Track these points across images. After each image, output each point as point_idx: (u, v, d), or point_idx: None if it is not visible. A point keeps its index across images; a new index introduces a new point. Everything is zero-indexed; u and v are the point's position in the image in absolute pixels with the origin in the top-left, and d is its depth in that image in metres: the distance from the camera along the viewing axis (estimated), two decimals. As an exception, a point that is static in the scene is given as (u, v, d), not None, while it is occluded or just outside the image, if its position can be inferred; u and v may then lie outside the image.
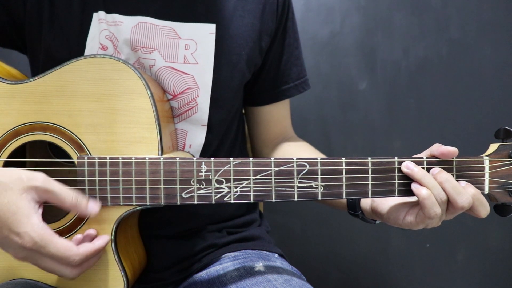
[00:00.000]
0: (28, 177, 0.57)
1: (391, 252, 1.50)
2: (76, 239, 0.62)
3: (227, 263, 0.80)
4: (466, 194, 0.62)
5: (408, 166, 0.64)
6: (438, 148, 0.65)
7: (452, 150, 0.64)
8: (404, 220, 0.66)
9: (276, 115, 0.95)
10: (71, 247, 0.57)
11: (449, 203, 0.63)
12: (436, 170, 0.63)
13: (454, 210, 0.63)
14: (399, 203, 0.69)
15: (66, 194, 0.59)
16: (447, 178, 0.62)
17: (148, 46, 0.75)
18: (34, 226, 0.55)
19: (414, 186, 0.63)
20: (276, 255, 0.86)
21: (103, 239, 0.63)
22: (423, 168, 0.64)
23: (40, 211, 0.58)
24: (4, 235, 0.55)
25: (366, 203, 0.75)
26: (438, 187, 0.62)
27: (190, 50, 0.77)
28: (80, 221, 0.65)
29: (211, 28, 0.78)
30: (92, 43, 0.75)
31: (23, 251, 0.56)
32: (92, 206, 0.62)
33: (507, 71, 1.44)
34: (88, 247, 0.59)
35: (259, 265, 0.78)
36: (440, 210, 0.62)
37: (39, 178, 0.57)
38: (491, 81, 1.45)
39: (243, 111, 0.98)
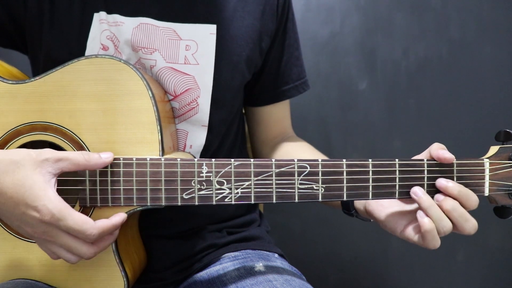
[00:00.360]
0: (37, 153, 0.57)
1: (391, 252, 1.50)
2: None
3: (227, 263, 0.80)
4: (472, 220, 0.62)
5: (417, 193, 0.63)
6: (437, 151, 0.64)
7: (449, 157, 0.64)
8: (402, 234, 0.67)
9: (276, 115, 0.95)
10: (88, 220, 0.57)
11: (454, 227, 0.63)
12: (441, 197, 0.63)
13: (459, 233, 0.64)
14: (397, 211, 0.69)
15: (77, 155, 0.60)
16: (453, 206, 0.62)
17: (149, 46, 0.75)
18: (51, 198, 0.55)
19: (419, 215, 0.63)
20: (276, 255, 0.86)
21: (120, 216, 0.62)
22: (423, 170, 0.64)
23: (55, 185, 0.58)
24: (21, 211, 0.56)
25: (360, 203, 0.75)
26: (443, 219, 0.62)
27: (191, 51, 0.77)
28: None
29: (211, 28, 0.78)
30: (93, 44, 0.75)
31: (41, 225, 0.56)
32: (105, 155, 0.62)
33: (507, 71, 1.44)
34: (105, 222, 0.59)
35: (259, 265, 0.78)
36: (439, 243, 0.62)
37: (47, 151, 0.58)
38: (491, 81, 1.45)
39: (243, 111, 0.98)
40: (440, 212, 0.62)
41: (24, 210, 0.55)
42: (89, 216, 0.65)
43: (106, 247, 0.62)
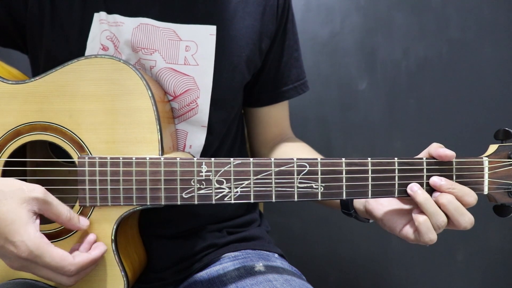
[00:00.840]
0: (29, 189, 0.57)
1: (391, 252, 1.50)
2: (73, 249, 0.63)
3: (227, 263, 0.80)
4: (468, 214, 0.62)
5: (412, 188, 0.64)
6: (436, 150, 0.65)
7: (450, 154, 0.64)
8: (401, 233, 0.67)
9: (275, 116, 0.95)
10: (66, 257, 0.57)
11: (450, 221, 0.63)
12: (437, 194, 0.63)
13: (455, 228, 0.64)
14: (395, 209, 0.69)
15: (62, 208, 0.60)
16: (449, 200, 0.62)
17: (148, 47, 0.75)
18: (30, 236, 0.55)
19: (414, 211, 0.64)
20: (276, 255, 0.86)
21: (100, 249, 0.62)
22: (422, 169, 0.64)
23: (38, 222, 0.58)
24: (0, 244, 0.56)
25: (359, 202, 0.75)
26: (438, 213, 0.62)
27: (191, 52, 0.77)
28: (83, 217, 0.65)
29: (211, 29, 0.78)
30: (92, 44, 0.75)
31: (18, 260, 0.56)
32: (84, 222, 0.63)
33: (507, 71, 1.44)
34: (83, 257, 0.59)
35: (259, 265, 0.78)
36: (435, 236, 0.62)
37: (39, 190, 0.58)
38: (491, 81, 1.45)
39: (242, 111, 0.98)
40: (435, 206, 0.62)
41: (3, 243, 0.55)
42: (89, 215, 0.65)
43: (87, 274, 0.63)
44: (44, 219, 0.60)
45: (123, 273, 0.66)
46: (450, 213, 0.62)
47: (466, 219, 0.62)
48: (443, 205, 0.62)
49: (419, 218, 0.63)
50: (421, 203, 0.62)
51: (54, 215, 0.59)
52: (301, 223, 1.50)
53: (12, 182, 0.58)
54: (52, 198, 0.59)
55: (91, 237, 0.64)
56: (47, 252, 0.56)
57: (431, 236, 0.62)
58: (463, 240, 1.48)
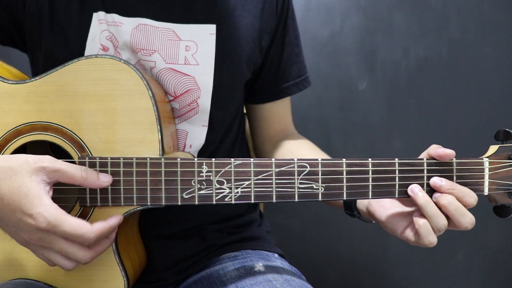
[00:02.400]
0: (35, 160, 0.57)
1: (391, 252, 1.50)
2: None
3: (227, 263, 0.80)
4: (469, 214, 0.62)
5: (413, 190, 0.64)
6: (435, 150, 0.65)
7: (449, 152, 0.64)
8: (402, 235, 0.67)
9: (277, 112, 0.95)
10: (84, 225, 0.57)
11: (451, 222, 0.63)
12: (437, 195, 0.63)
13: (456, 228, 0.64)
14: (397, 212, 0.69)
15: (74, 170, 0.59)
16: (450, 201, 0.62)
17: (148, 48, 0.75)
18: (46, 206, 0.55)
19: (414, 214, 0.64)
20: (276, 255, 0.86)
21: (116, 217, 0.62)
22: (423, 170, 0.64)
23: (51, 192, 0.58)
24: (17, 218, 0.56)
25: (362, 204, 0.75)
26: (438, 216, 0.62)
27: (191, 51, 0.77)
28: (83, 218, 0.65)
29: (211, 28, 0.78)
30: (92, 44, 0.74)
31: (37, 232, 0.56)
32: (104, 178, 0.62)
33: (507, 71, 1.45)
34: (102, 224, 0.59)
35: (259, 265, 0.78)
36: (435, 239, 0.63)
37: (45, 159, 0.58)
38: (491, 81, 1.45)
39: (244, 108, 0.98)
40: (436, 209, 0.62)
41: (20, 217, 0.55)
42: (89, 216, 0.65)
43: (103, 251, 0.62)
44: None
45: (123, 273, 0.66)
46: (450, 214, 0.62)
47: (467, 220, 0.62)
48: (443, 206, 0.62)
49: (419, 221, 0.63)
50: (421, 205, 0.62)
51: (69, 179, 0.59)
52: (301, 223, 1.50)
53: (18, 157, 0.58)
54: (60, 164, 0.58)
55: (102, 184, 0.63)
56: (65, 221, 0.55)
57: (431, 239, 0.62)
58: (463, 240, 1.48)
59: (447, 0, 1.44)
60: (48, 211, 0.55)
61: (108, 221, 0.60)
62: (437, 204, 0.62)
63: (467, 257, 1.49)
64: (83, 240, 0.57)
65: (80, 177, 0.59)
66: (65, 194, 0.65)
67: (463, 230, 0.63)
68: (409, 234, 0.66)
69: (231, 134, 0.89)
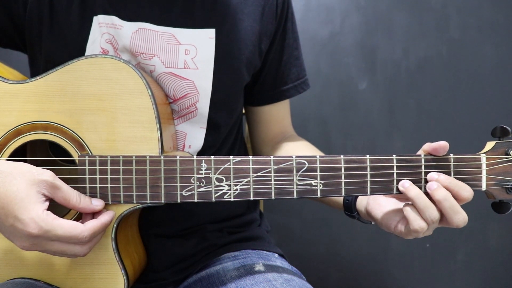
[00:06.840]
0: (39, 172, 0.58)
1: (391, 252, 1.50)
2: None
3: (227, 263, 0.80)
4: (462, 212, 0.62)
5: (404, 185, 0.64)
6: (429, 145, 0.65)
7: (443, 144, 0.63)
8: (395, 229, 0.67)
9: (276, 114, 0.95)
10: (77, 225, 0.58)
11: (444, 218, 0.63)
12: (433, 185, 0.63)
13: (448, 226, 0.64)
14: (392, 210, 0.69)
15: (72, 192, 0.60)
16: (445, 196, 0.62)
17: (147, 52, 0.75)
18: (38, 212, 0.56)
19: (404, 208, 0.64)
20: (276, 255, 0.86)
21: (109, 214, 0.63)
22: (421, 166, 0.64)
23: (47, 204, 0.58)
24: (10, 223, 0.56)
25: (361, 205, 0.75)
26: (429, 207, 0.62)
27: (190, 55, 0.77)
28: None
29: (210, 33, 0.78)
30: (92, 47, 0.75)
31: (29, 239, 0.56)
32: (97, 202, 0.63)
33: (507, 71, 1.45)
34: (94, 222, 0.60)
35: (259, 265, 0.78)
36: (425, 224, 0.62)
37: (49, 174, 0.59)
38: (490, 81, 1.45)
39: (243, 110, 0.98)
40: (427, 200, 0.62)
41: (13, 222, 0.56)
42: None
43: (98, 240, 0.63)
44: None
45: (123, 272, 0.66)
46: (445, 211, 0.62)
47: (460, 218, 0.62)
48: (438, 201, 0.62)
49: (407, 207, 0.63)
50: (413, 198, 0.62)
51: (64, 200, 0.60)
52: (301, 223, 1.50)
53: (22, 165, 0.59)
54: (61, 183, 0.59)
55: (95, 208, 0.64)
56: (57, 225, 0.56)
57: (420, 223, 0.62)
58: (463, 240, 1.47)
59: (447, 0, 1.44)
60: (39, 216, 0.56)
61: (100, 218, 0.62)
62: (432, 198, 0.62)
63: (467, 257, 1.48)
64: (78, 240, 0.58)
65: (75, 200, 0.60)
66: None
67: (454, 227, 0.63)
68: (400, 227, 0.66)
69: (230, 136, 0.89)
